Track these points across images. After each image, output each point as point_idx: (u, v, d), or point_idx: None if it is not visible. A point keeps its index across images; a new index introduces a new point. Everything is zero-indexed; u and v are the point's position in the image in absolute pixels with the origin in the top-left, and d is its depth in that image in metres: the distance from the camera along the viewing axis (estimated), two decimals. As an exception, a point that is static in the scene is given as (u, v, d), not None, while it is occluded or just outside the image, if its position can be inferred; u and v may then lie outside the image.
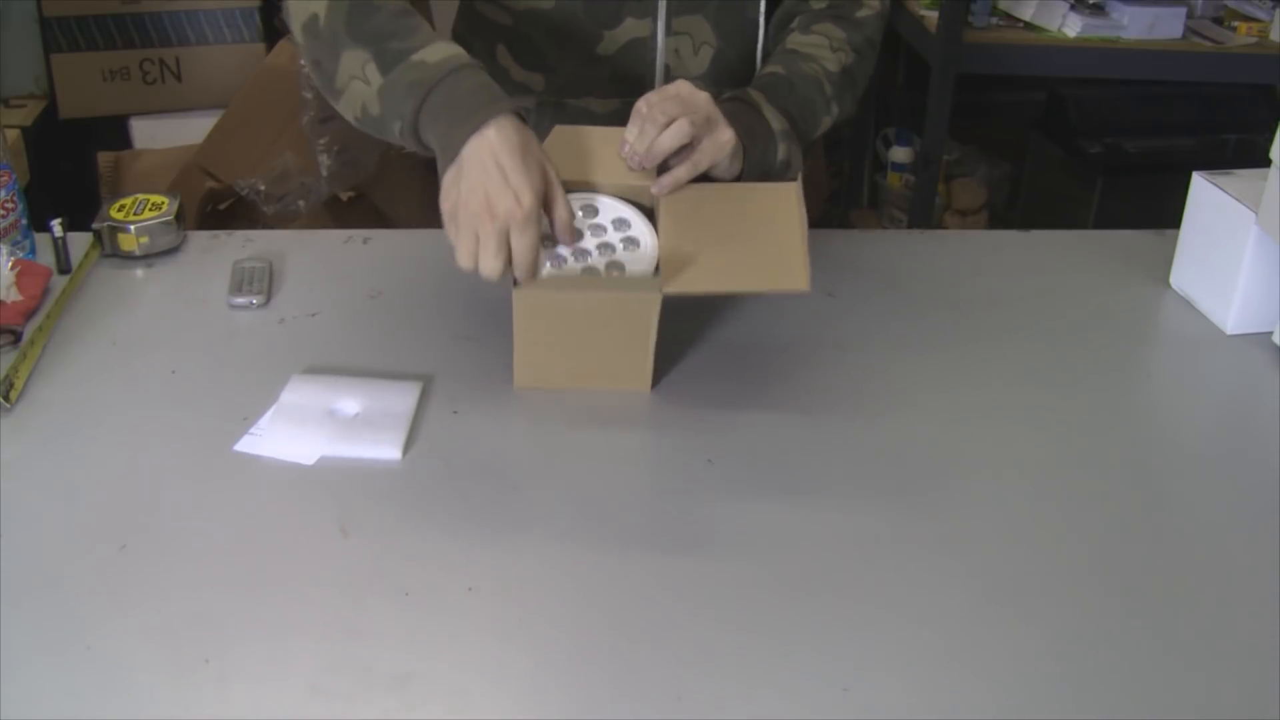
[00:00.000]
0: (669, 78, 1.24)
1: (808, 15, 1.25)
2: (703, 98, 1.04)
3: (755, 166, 1.09)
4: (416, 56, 0.99)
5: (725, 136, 1.03)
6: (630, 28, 1.21)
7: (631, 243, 1.03)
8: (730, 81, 1.26)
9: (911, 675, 0.78)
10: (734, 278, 1.01)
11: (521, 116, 0.99)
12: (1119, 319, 1.23)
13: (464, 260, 0.96)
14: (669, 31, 1.22)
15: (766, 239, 1.02)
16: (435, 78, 0.98)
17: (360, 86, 1.02)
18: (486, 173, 0.94)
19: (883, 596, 0.84)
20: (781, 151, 1.12)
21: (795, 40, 1.23)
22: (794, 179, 1.10)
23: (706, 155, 1.04)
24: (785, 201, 1.04)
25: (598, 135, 1.09)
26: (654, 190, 1.04)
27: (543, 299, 0.99)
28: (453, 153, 0.97)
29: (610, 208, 1.05)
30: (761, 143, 1.10)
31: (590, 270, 1.02)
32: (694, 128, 1.02)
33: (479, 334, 1.13)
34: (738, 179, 1.08)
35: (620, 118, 1.25)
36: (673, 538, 0.89)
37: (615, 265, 1.02)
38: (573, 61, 1.23)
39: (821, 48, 1.21)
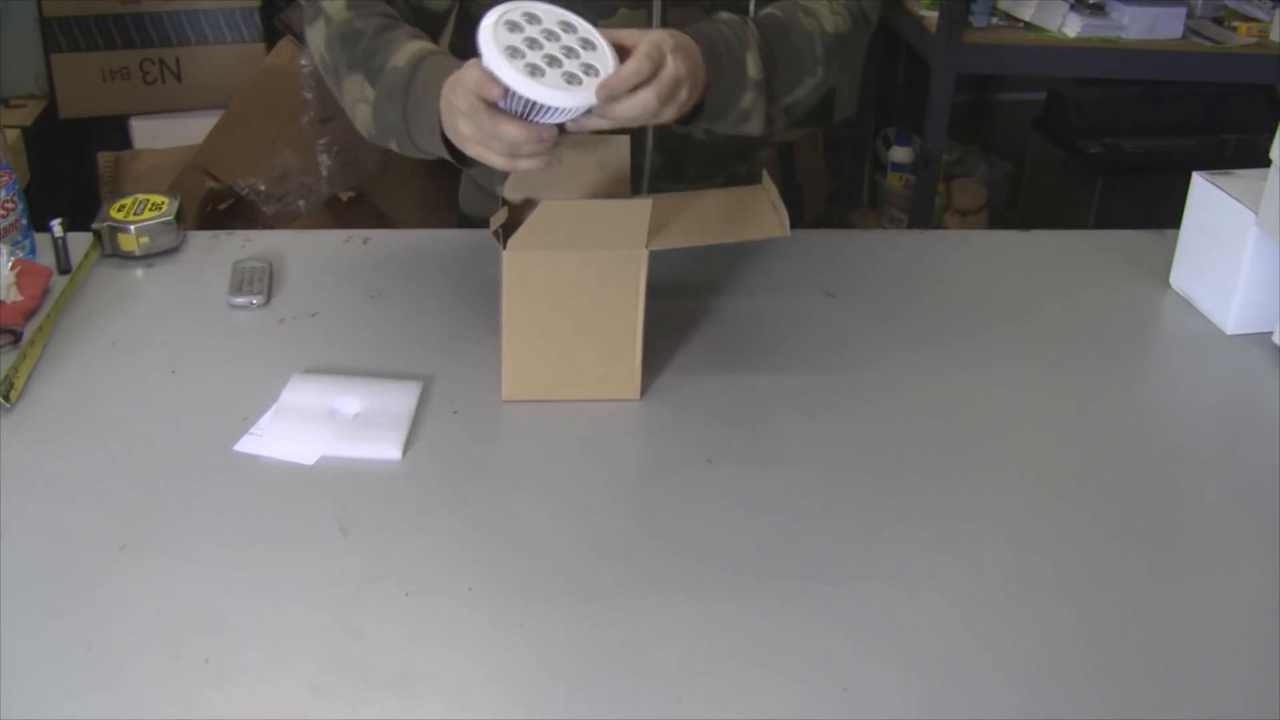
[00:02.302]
0: None
1: None
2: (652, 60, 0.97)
3: (713, 104, 1.06)
4: (390, 64, 1.06)
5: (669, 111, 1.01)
6: (624, 19, 1.21)
7: (588, 44, 0.97)
8: None
9: (911, 675, 0.78)
10: (717, 230, 1.04)
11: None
12: (1119, 319, 1.23)
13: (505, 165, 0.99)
14: (664, 23, 1.22)
15: (743, 199, 1.08)
16: (407, 78, 1.04)
17: (364, 108, 1.10)
18: (454, 126, 0.98)
19: (883, 596, 0.84)
20: (746, 100, 1.09)
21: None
22: (755, 133, 1.13)
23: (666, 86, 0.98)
24: (758, 190, 1.09)
25: (571, 150, 1.08)
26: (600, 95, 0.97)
27: (532, 259, 0.98)
28: (436, 123, 1.02)
29: (551, 13, 0.98)
30: (725, 89, 1.07)
31: (571, 76, 0.93)
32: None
33: (479, 334, 1.13)
34: (697, 107, 1.06)
35: None
36: (673, 537, 0.89)
37: (589, 68, 0.94)
38: None
39: (820, 6, 1.18)
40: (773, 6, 1.18)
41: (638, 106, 0.96)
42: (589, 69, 0.93)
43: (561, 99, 0.91)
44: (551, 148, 0.96)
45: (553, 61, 0.93)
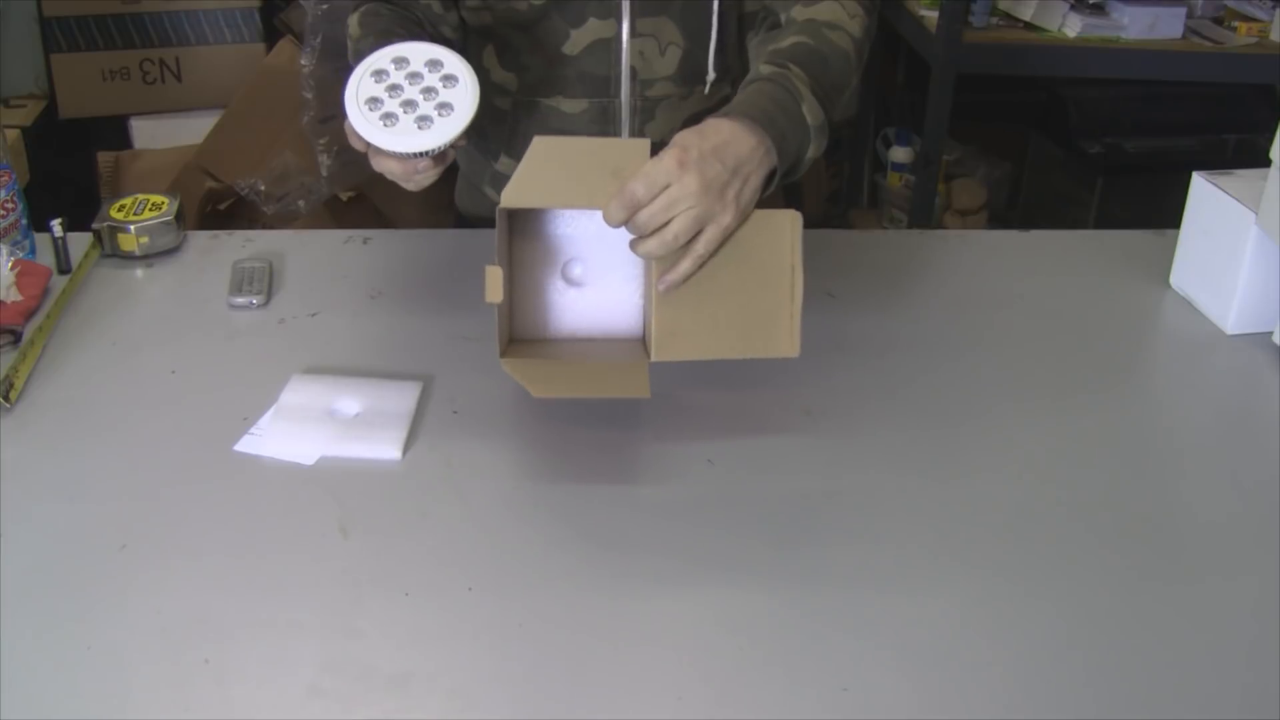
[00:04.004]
0: (635, 79, 1.23)
1: None
2: (694, 185, 0.94)
3: (783, 169, 1.03)
4: None
5: (726, 221, 0.96)
6: (593, 28, 1.21)
7: (450, 80, 1.01)
8: (700, 80, 1.25)
9: (911, 675, 0.78)
10: (723, 345, 0.99)
11: None
12: (1119, 319, 1.23)
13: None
14: (633, 33, 1.21)
15: (758, 296, 0.99)
16: None
17: None
18: None
19: (882, 596, 0.84)
20: (811, 150, 1.06)
21: (802, 11, 1.15)
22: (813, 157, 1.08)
23: (711, 243, 0.97)
24: (779, 243, 1.00)
25: (578, 148, 1.00)
26: (660, 289, 0.98)
27: (532, 366, 0.98)
28: None
29: (421, 52, 1.03)
30: (791, 150, 1.03)
31: (423, 119, 0.98)
32: (678, 241, 0.95)
33: (479, 334, 1.13)
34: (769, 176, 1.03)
35: (588, 118, 1.25)
36: (672, 538, 0.89)
37: (444, 106, 0.99)
38: (542, 61, 1.24)
39: (838, 13, 1.14)
40: (795, 32, 1.12)
41: (655, 247, 0.95)
42: (444, 107, 1.00)
43: (409, 144, 0.98)
44: (434, 169, 1.03)
45: (409, 106, 1.00)
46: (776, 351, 1.00)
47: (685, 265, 0.96)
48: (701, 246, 0.96)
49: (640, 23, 1.21)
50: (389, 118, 0.99)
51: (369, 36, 1.16)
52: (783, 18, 1.18)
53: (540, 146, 0.95)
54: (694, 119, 1.09)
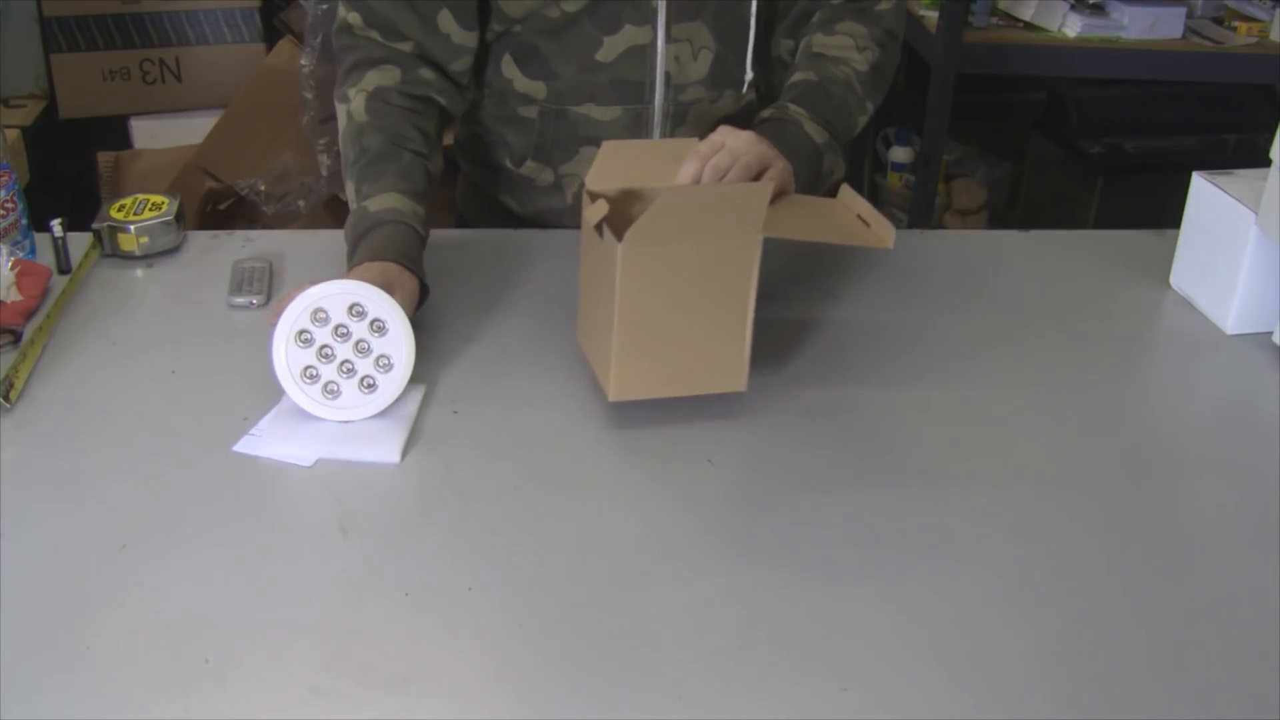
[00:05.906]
0: (669, 85, 1.24)
1: (828, 11, 1.27)
2: (747, 137, 1.08)
3: (803, 185, 1.14)
4: (366, 202, 1.14)
5: (781, 165, 1.10)
6: (629, 34, 1.21)
7: (379, 327, 1.01)
8: (730, 84, 1.27)
9: (911, 675, 0.78)
10: (826, 231, 1.07)
11: (408, 266, 1.08)
12: (1119, 319, 1.23)
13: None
14: (668, 38, 1.22)
15: (839, 209, 1.10)
16: (363, 228, 1.12)
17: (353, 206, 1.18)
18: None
19: (882, 596, 0.84)
20: (826, 163, 1.18)
21: (820, 43, 1.25)
22: (840, 181, 1.17)
23: (774, 179, 1.09)
24: (847, 210, 1.11)
25: (645, 148, 1.13)
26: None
27: (647, 252, 0.95)
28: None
29: (343, 296, 1.00)
30: (808, 162, 1.16)
31: (367, 380, 1.00)
32: (750, 171, 1.08)
33: (479, 334, 1.13)
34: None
35: (621, 126, 1.25)
36: (672, 537, 0.89)
37: (382, 360, 1.01)
38: (573, 68, 1.23)
39: (848, 48, 1.24)
40: (801, 70, 1.24)
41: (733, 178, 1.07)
42: (376, 376, 1.00)
43: (354, 414, 1.00)
44: None
45: (347, 370, 1.00)
46: (874, 241, 1.05)
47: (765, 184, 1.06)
48: (767, 180, 1.07)
49: (675, 28, 1.22)
50: (330, 388, 0.99)
51: (379, 134, 1.16)
52: (814, 19, 1.28)
53: (609, 147, 1.05)
54: (724, 123, 1.13)
